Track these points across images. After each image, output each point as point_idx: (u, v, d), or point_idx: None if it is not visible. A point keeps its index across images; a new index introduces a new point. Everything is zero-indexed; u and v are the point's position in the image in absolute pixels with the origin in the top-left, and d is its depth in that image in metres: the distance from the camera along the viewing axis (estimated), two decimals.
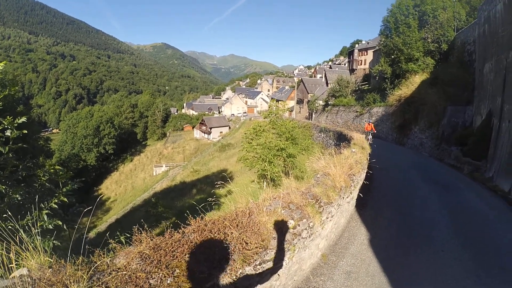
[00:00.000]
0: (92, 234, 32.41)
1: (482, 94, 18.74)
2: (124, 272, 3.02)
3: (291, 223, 4.81)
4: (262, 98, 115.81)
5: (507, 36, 14.54)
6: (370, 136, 23.29)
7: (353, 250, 7.30)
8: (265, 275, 4.04)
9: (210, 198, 5.75)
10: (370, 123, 24.72)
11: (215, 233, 3.82)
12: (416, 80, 30.32)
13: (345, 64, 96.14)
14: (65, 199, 5.89)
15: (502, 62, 15.15)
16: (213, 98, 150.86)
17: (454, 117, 22.22)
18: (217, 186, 5.76)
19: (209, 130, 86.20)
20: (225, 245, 3.68)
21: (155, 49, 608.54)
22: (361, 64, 67.88)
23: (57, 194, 5.83)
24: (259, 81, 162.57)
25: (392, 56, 37.16)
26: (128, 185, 68.38)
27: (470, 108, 21.30)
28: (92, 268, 2.99)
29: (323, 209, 5.86)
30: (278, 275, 4.48)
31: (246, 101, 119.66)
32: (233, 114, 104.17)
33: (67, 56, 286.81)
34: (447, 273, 6.45)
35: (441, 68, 29.55)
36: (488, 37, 17.94)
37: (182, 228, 3.94)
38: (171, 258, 3.28)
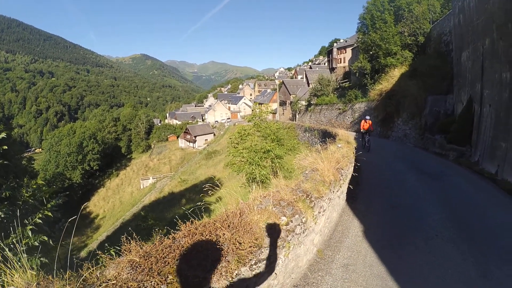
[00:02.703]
0: (83, 254, 31.94)
1: (461, 82, 19.00)
2: (114, 283, 2.92)
3: (283, 220, 4.76)
4: (245, 103, 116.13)
5: (482, 24, 14.76)
6: (368, 138, 20.33)
7: (348, 243, 7.28)
8: (262, 275, 3.96)
9: (200, 203, 5.64)
10: (367, 120, 20.45)
11: (206, 235, 3.74)
12: (395, 73, 30.59)
13: (325, 64, 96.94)
14: (50, 214, 5.78)
15: (479, 50, 15.39)
16: (195, 106, 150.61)
17: (435, 106, 22.46)
18: (205, 189, 5.67)
19: (194, 138, 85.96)
20: (217, 246, 3.59)
21: (135, 60, 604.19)
22: (340, 62, 68.51)
23: (41, 210, 5.73)
24: (240, 86, 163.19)
25: (371, 52, 37.47)
26: (116, 200, 67.49)
27: (450, 97, 21.57)
28: (80, 281, 2.90)
29: (315, 203, 5.82)
30: (275, 273, 4.41)
31: (229, 107, 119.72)
32: (217, 121, 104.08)
33: (45, 73, 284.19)
34: (443, 256, 6.50)
35: (419, 60, 29.88)
36: (464, 26, 18.20)
37: (173, 234, 3.85)
38: (162, 264, 3.19)
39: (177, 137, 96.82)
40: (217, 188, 5.97)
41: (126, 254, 3.42)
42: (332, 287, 5.58)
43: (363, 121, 20.95)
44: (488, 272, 5.85)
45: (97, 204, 68.19)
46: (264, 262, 3.96)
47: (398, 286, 5.55)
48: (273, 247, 4.20)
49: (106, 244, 5.00)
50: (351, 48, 59.87)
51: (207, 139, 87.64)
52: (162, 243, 3.62)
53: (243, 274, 3.59)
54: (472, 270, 5.97)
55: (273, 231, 4.38)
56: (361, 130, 21.17)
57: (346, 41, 73.09)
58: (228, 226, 4.02)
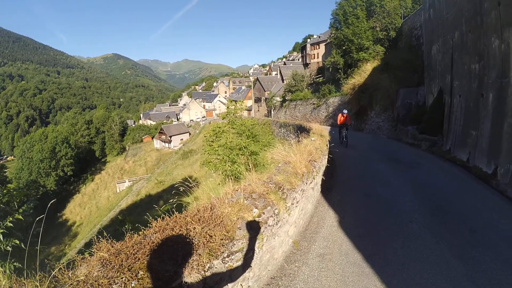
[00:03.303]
0: (63, 262, 31.18)
1: (432, 74, 19.41)
2: (85, 281, 2.88)
3: (255, 212, 4.74)
4: (219, 101, 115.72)
5: (451, 17, 15.16)
6: (345, 132, 19.27)
7: (324, 233, 7.33)
8: (236, 268, 3.94)
9: (172, 200, 5.53)
10: (344, 114, 19.36)
11: (177, 230, 3.71)
12: (368, 68, 31.02)
13: (299, 60, 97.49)
14: (21, 217, 5.65)
15: (448, 42, 15.80)
16: (170, 105, 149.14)
17: (407, 98, 22.87)
18: (181, 189, 5.54)
19: (169, 138, 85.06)
20: (188, 240, 3.56)
21: (106, 60, 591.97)
22: (314, 58, 69.12)
23: (13, 214, 5.61)
24: (215, 84, 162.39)
25: (344, 47, 37.99)
26: (92, 206, 66.07)
27: (421, 89, 21.99)
28: (52, 281, 2.87)
29: (287, 195, 5.82)
30: (250, 266, 4.40)
31: (204, 105, 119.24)
32: (192, 120, 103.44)
33: (15, 76, 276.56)
34: (418, 241, 6.66)
35: (391, 54, 30.49)
36: (434, 20, 18.62)
37: (143, 230, 3.80)
38: (133, 260, 3.14)
39: (152, 138, 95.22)
40: (194, 188, 5.87)
41: (97, 252, 3.36)
42: (309, 277, 5.60)
43: (339, 114, 19.88)
44: (463, 253, 6.03)
45: (73, 211, 66.56)
46: (237, 254, 3.94)
47: (374, 272, 5.62)
48: (246, 239, 4.18)
49: (84, 250, 4.88)
50: (324, 43, 60.46)
51: (182, 139, 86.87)
52: (133, 240, 3.56)
53: (216, 267, 3.57)
54: (447, 252, 6.13)
55: (245, 223, 4.37)
56: (338, 124, 20.16)
57: (319, 36, 73.69)
58: (199, 220, 3.98)
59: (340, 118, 19.59)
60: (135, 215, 36.78)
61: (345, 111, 19.70)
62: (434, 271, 5.50)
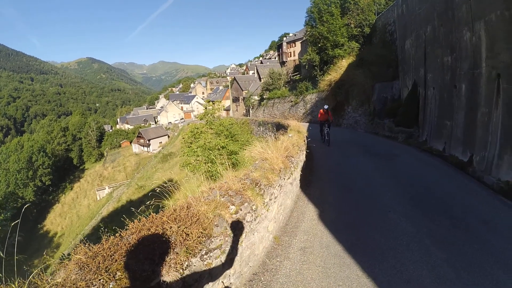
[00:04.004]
0: (41, 267, 30.55)
1: (406, 68, 19.81)
2: (63, 284, 2.87)
3: (232, 208, 4.74)
4: (197, 102, 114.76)
5: (423, 13, 15.62)
6: (327, 130, 18.08)
7: (304, 227, 7.39)
8: (215, 265, 3.94)
9: (149, 202, 5.49)
10: (325, 110, 18.29)
11: (153, 230, 3.68)
12: (343, 64, 31.52)
13: (275, 58, 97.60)
14: None
15: (421, 37, 16.26)
16: (147, 108, 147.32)
17: (382, 92, 23.25)
18: (157, 190, 5.48)
19: (147, 142, 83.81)
20: (164, 239, 3.54)
21: (80, 65, 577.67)
22: (290, 56, 69.34)
23: None
24: (192, 85, 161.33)
25: (319, 45, 38.38)
26: (73, 215, 64.72)
27: (396, 83, 22.40)
28: (27, 285, 2.85)
29: (264, 191, 5.84)
30: (230, 262, 4.40)
31: (182, 107, 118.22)
32: (170, 122, 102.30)
33: None
34: (398, 230, 6.80)
35: (366, 50, 31.04)
36: (407, 16, 19.07)
37: (120, 232, 3.77)
38: (110, 262, 3.12)
39: (130, 143, 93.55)
40: (175, 190, 5.82)
41: (73, 255, 3.33)
42: (291, 271, 5.63)
43: (320, 110, 18.70)
44: (442, 239, 6.19)
45: (54, 221, 64.96)
46: (216, 251, 3.94)
47: (355, 262, 5.70)
48: (224, 236, 4.18)
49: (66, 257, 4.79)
50: (300, 41, 60.73)
51: (161, 142, 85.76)
52: (109, 242, 3.53)
53: (194, 265, 3.56)
54: (426, 239, 6.28)
55: (222, 220, 4.37)
56: (319, 121, 19.00)
57: (295, 35, 74.00)
58: (175, 219, 3.96)
59: (321, 114, 18.48)
60: (117, 222, 35.92)
61: (326, 106, 18.68)
62: (415, 258, 5.60)
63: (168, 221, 3.85)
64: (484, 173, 9.84)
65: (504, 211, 7.48)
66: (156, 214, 4.90)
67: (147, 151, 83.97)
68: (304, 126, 17.88)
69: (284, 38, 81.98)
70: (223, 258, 4.11)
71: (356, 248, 6.14)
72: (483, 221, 6.87)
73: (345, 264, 5.66)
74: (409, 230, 6.72)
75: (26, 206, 5.25)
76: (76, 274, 2.99)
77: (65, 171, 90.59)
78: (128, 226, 3.90)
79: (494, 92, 9.31)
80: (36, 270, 3.02)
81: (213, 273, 3.93)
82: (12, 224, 4.24)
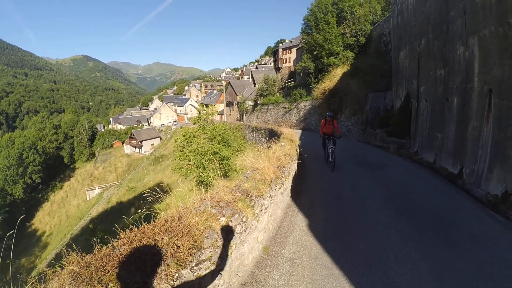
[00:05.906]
0: (33, 275, 30.24)
1: (399, 79, 19.97)
2: None
3: (223, 220, 4.80)
4: (191, 105, 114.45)
5: (418, 25, 15.72)
6: (332, 147, 13.98)
7: (293, 238, 7.46)
8: (205, 276, 4.00)
9: (140, 210, 5.52)
10: (329, 119, 14.45)
11: (145, 241, 3.74)
12: (338, 72, 31.60)
13: (270, 64, 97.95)
14: None
15: (415, 49, 16.37)
16: (140, 109, 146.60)
17: (375, 102, 23.41)
18: (149, 199, 5.49)
19: (140, 143, 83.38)
20: (155, 251, 3.61)
21: (75, 62, 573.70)
22: (285, 62, 69.59)
23: None
24: (186, 88, 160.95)
25: (314, 52, 38.47)
26: (62, 214, 64.31)
27: (389, 93, 22.57)
28: None
29: (255, 202, 5.92)
30: (220, 274, 4.45)
31: (176, 109, 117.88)
32: (163, 124, 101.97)
33: None
34: (386, 242, 6.86)
35: (360, 59, 31.21)
36: (402, 27, 19.22)
37: (112, 242, 3.83)
38: (102, 273, 3.18)
39: (122, 143, 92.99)
40: (166, 195, 5.85)
41: (66, 265, 3.38)
42: (279, 281, 5.70)
43: (323, 121, 14.78)
44: (429, 253, 6.25)
45: (42, 220, 64.58)
46: (206, 263, 4.00)
47: (343, 274, 5.77)
48: (214, 247, 4.23)
49: (55, 263, 4.80)
50: (296, 48, 60.94)
51: (153, 144, 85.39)
52: (102, 252, 3.59)
53: (184, 277, 3.62)
54: (413, 251, 6.34)
55: (213, 232, 4.42)
56: (321, 135, 14.75)
57: (291, 41, 74.38)
58: (166, 230, 4.02)
59: (324, 126, 14.62)
60: (107, 223, 35.96)
61: (330, 114, 14.97)
62: (401, 271, 5.67)
63: (160, 232, 3.90)
64: (473, 185, 9.94)
65: (492, 224, 7.51)
66: (147, 218, 4.94)
67: (139, 153, 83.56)
68: (297, 134, 17.98)
69: (280, 44, 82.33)
70: (212, 269, 4.16)
71: (344, 260, 6.22)
72: (471, 235, 6.92)
73: (333, 275, 5.73)
74: (396, 242, 6.79)
75: (21, 218, 5.24)
76: (70, 284, 3.04)
77: (56, 169, 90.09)
78: (120, 236, 3.94)
79: (486, 106, 9.42)
80: (32, 281, 3.09)
81: (203, 284, 3.98)
82: (8, 234, 4.24)
